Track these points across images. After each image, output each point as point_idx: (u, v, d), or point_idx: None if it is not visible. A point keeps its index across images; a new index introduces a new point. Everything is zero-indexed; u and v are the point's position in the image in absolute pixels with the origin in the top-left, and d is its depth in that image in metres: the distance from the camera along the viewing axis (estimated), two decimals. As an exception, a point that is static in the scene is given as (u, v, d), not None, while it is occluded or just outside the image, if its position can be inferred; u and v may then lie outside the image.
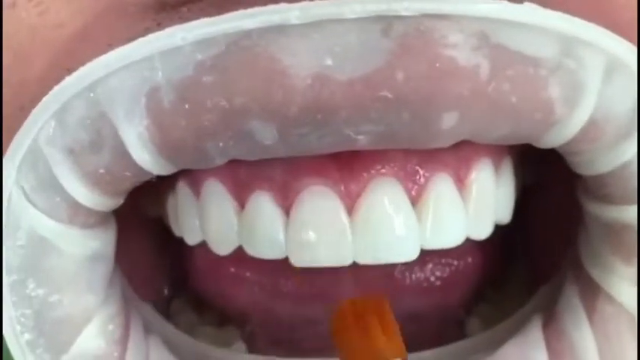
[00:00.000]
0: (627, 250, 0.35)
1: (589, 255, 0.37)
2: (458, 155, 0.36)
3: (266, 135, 0.30)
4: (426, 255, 0.41)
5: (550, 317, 0.37)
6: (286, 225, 0.36)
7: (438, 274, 0.42)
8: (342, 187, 0.35)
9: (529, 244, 0.44)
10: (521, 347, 0.36)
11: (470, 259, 0.42)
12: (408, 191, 0.35)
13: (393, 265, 0.41)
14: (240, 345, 0.41)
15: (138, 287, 0.40)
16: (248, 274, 0.42)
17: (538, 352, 0.35)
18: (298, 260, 0.36)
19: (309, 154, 0.32)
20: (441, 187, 0.36)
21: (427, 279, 0.42)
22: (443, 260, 0.42)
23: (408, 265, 0.41)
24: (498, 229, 0.40)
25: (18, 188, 0.33)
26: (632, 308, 0.35)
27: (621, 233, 0.35)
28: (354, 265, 0.40)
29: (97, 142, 0.31)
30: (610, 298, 0.36)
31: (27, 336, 0.34)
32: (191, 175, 0.38)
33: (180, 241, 0.41)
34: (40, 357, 0.34)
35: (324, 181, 0.35)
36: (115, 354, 0.35)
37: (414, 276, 0.41)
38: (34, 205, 0.33)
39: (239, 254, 0.38)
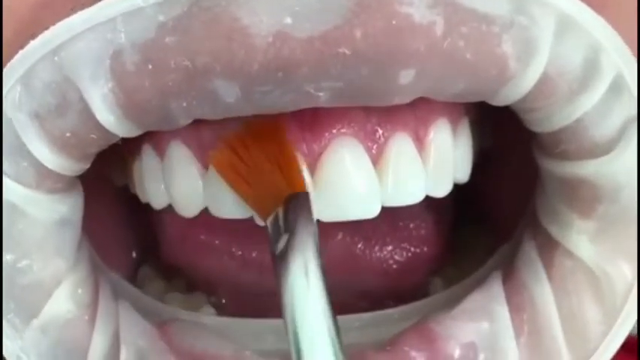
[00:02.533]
0: (584, 205, 0.36)
1: (546, 212, 0.38)
2: (416, 115, 0.37)
3: (229, 93, 0.31)
4: (387, 237, 0.42)
5: (509, 273, 0.38)
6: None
7: (396, 257, 0.43)
8: (304, 147, 0.36)
9: (490, 206, 0.45)
10: (482, 301, 0.37)
11: (426, 248, 0.43)
12: (368, 150, 0.36)
13: (354, 242, 0.42)
14: (209, 309, 0.42)
15: (106, 255, 0.41)
16: (217, 242, 0.42)
17: (499, 305, 0.36)
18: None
19: (272, 112, 0.32)
20: (401, 145, 0.37)
21: (386, 260, 0.42)
22: (403, 244, 0.43)
23: (368, 244, 0.42)
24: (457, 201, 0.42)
25: None
26: (591, 262, 0.36)
27: (578, 188, 0.36)
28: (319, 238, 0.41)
29: (63, 106, 0.32)
30: (568, 253, 0.37)
31: None
32: (155, 138, 0.39)
33: (148, 209, 0.42)
34: (10, 322, 0.35)
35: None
36: (85, 317, 0.36)
37: (374, 255, 0.42)
38: (1, 171, 0.33)
39: (208, 222, 0.39)
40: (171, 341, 0.35)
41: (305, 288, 0.32)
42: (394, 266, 0.42)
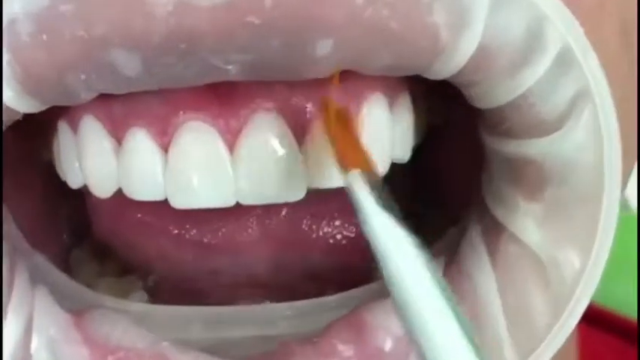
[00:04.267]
0: (531, 187, 0.34)
1: (492, 193, 0.35)
2: (347, 90, 0.34)
3: (129, 66, 0.29)
4: (334, 212, 0.40)
5: (453, 259, 0.35)
6: (165, 164, 0.34)
7: (344, 233, 0.40)
8: (222, 123, 0.33)
9: (443, 187, 0.43)
10: None
11: None
12: (292, 127, 0.34)
13: (301, 218, 0.39)
14: (142, 294, 0.40)
15: (34, 237, 0.39)
16: (152, 220, 0.40)
17: None
18: (177, 202, 0.34)
19: (177, 86, 0.30)
20: None
21: (334, 236, 0.40)
22: (352, 220, 0.40)
23: (315, 219, 0.40)
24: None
25: None
26: (538, 248, 0.34)
27: (523, 168, 0.34)
28: (261, 215, 0.39)
29: None
30: (514, 238, 0.34)
31: None
32: (69, 113, 0.36)
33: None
34: None
35: (203, 116, 0.33)
36: None
37: (321, 231, 0.40)
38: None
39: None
40: (86, 331, 0.33)
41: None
42: (342, 242, 0.40)
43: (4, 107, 0.30)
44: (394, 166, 0.37)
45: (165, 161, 0.34)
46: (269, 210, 0.38)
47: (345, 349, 0.33)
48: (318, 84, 0.33)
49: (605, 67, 0.32)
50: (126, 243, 0.41)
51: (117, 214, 0.40)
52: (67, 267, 0.41)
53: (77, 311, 0.34)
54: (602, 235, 0.33)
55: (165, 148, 0.34)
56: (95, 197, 0.39)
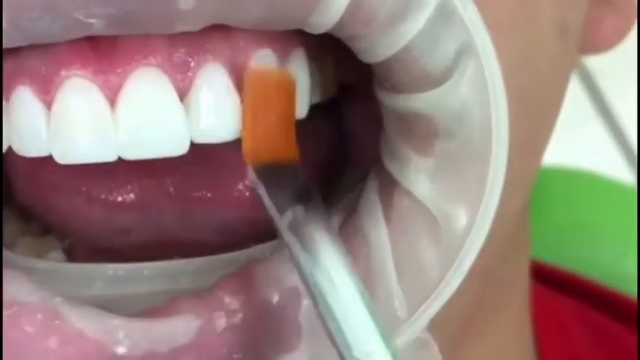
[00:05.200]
0: (421, 141, 0.34)
1: (387, 150, 0.36)
2: (232, 44, 0.34)
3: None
4: (240, 164, 0.40)
5: (349, 215, 0.36)
6: (48, 120, 0.35)
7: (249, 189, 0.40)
8: (102, 79, 0.34)
9: (355, 145, 0.43)
10: None
11: None
12: (174, 82, 0.34)
13: (207, 173, 0.39)
14: (58, 254, 0.40)
15: None
16: (63, 180, 0.40)
17: None
18: (61, 157, 0.35)
19: (46, 42, 0.30)
20: (212, 76, 0.34)
21: (239, 189, 0.40)
22: None
23: (223, 175, 0.40)
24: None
25: None
26: (429, 202, 0.34)
27: (414, 123, 0.34)
28: (168, 171, 0.39)
29: None
30: (406, 192, 0.34)
31: None
32: None
33: None
34: None
35: (83, 73, 0.34)
36: None
37: (227, 185, 0.40)
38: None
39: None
40: None
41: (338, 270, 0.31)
42: (246, 193, 0.40)
43: None
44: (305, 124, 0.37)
45: (49, 117, 0.34)
46: (175, 164, 0.37)
47: (231, 302, 0.33)
48: (201, 38, 0.33)
49: (498, 26, 0.33)
50: (43, 204, 0.41)
51: (32, 175, 0.41)
52: None
53: None
54: (488, 193, 0.33)
55: (49, 105, 0.34)
56: (12, 158, 0.40)
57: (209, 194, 0.39)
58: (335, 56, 0.39)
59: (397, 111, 0.34)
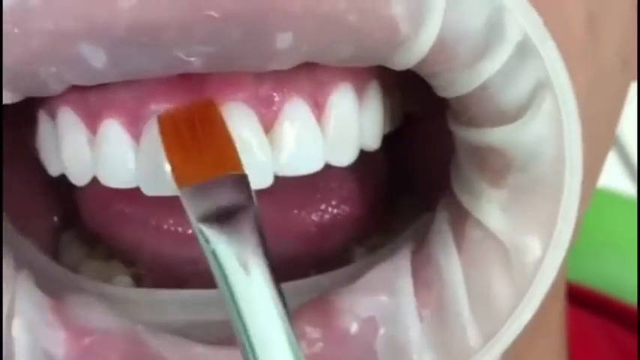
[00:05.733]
0: (494, 173, 0.35)
1: (459, 181, 0.36)
2: (314, 80, 0.35)
3: (96, 58, 0.30)
4: (306, 198, 0.40)
5: (420, 245, 0.36)
6: (137, 153, 0.35)
7: (315, 219, 0.41)
8: None
9: (418, 174, 0.44)
10: (386, 273, 0.35)
11: (348, 209, 0.41)
12: (260, 117, 0.35)
13: (271, 206, 0.40)
14: (127, 280, 0.41)
15: (22, 220, 0.40)
16: (131, 211, 0.41)
17: (403, 279, 0.35)
18: (149, 189, 0.35)
19: (143, 77, 0.31)
20: (296, 111, 0.35)
21: (305, 223, 0.40)
22: (322, 205, 0.41)
23: (286, 208, 0.40)
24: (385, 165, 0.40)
25: None
26: (501, 234, 0.35)
27: (487, 156, 0.35)
28: None
29: None
30: (478, 224, 0.35)
31: None
32: (48, 103, 0.37)
33: None
34: None
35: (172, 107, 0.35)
36: None
37: (292, 218, 0.40)
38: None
39: (126, 190, 0.37)
40: (64, 314, 0.34)
41: (248, 286, 0.31)
42: (313, 229, 0.40)
43: None
44: (368, 154, 0.38)
45: (137, 150, 0.35)
46: None
47: (313, 332, 0.34)
48: (287, 74, 0.34)
49: (568, 58, 0.33)
50: (109, 231, 0.42)
51: (100, 203, 0.41)
52: (56, 251, 0.43)
53: (59, 295, 0.36)
54: (561, 225, 0.34)
55: (137, 138, 0.35)
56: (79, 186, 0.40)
57: (275, 225, 0.40)
58: (402, 87, 0.40)
59: (471, 144, 0.35)
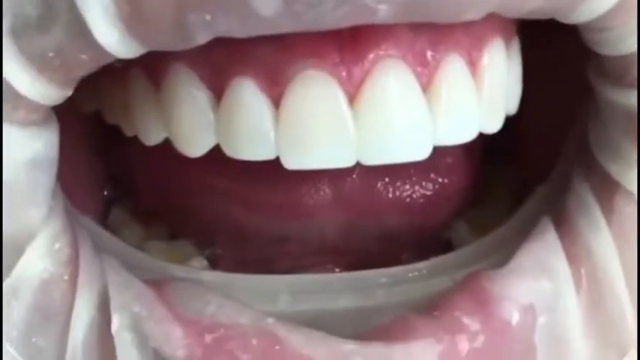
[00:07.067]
0: None
1: (604, 148, 0.33)
2: (470, 33, 0.31)
3: (266, 5, 0.25)
4: (411, 168, 0.36)
5: (561, 219, 0.33)
6: (276, 118, 0.30)
7: (421, 191, 0.37)
8: (344, 72, 0.30)
9: (518, 141, 0.40)
10: (537, 253, 0.31)
11: (456, 177, 0.37)
12: (417, 76, 0.30)
13: (376, 179, 0.36)
14: (201, 261, 0.36)
15: (72, 192, 0.34)
16: (216, 182, 0.36)
17: (555, 256, 0.31)
18: (292, 162, 0.30)
19: (314, 29, 0.26)
20: (455, 70, 0.31)
21: (410, 196, 0.36)
22: (432, 175, 0.37)
23: (391, 179, 0.36)
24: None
25: None
26: None
27: None
28: (334, 176, 0.35)
29: (47, 18, 0.26)
30: (630, 196, 0.31)
31: None
32: (148, 61, 0.31)
33: (124, 142, 0.35)
34: None
35: (322, 64, 0.30)
36: (65, 277, 0.29)
37: (397, 192, 0.36)
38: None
39: (205, 158, 0.32)
40: (173, 307, 0.29)
41: None
42: (420, 201, 0.36)
43: (97, 50, 0.26)
44: None
45: (277, 116, 0.30)
46: (342, 170, 0.34)
47: (471, 323, 0.30)
48: (443, 27, 0.30)
49: None
50: (182, 206, 0.36)
51: (174, 173, 0.36)
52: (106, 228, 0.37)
53: (154, 283, 0.30)
54: None
55: (275, 102, 0.30)
56: (147, 155, 0.35)
57: (375, 201, 0.36)
58: None
59: (625, 108, 0.31)
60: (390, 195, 0.36)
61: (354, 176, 0.36)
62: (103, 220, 0.38)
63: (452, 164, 0.37)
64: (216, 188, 0.36)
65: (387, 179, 0.36)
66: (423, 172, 0.36)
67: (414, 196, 0.36)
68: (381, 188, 0.36)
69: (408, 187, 0.36)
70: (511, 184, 0.39)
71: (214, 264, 0.36)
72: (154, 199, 0.38)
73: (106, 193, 0.39)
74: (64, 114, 0.33)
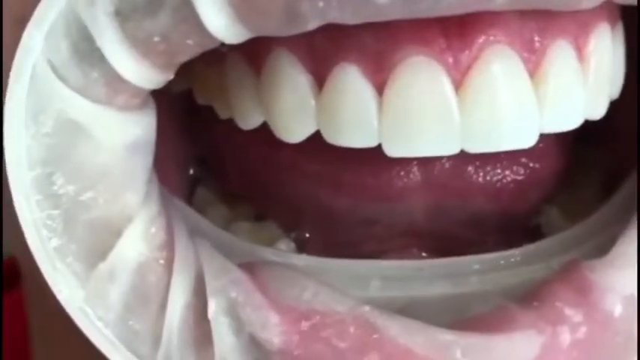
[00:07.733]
0: None
1: None
2: (576, 19, 0.30)
3: None
4: (501, 152, 0.35)
5: None
6: (379, 105, 0.30)
7: (512, 176, 0.36)
8: (450, 58, 0.29)
9: (608, 124, 0.39)
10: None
11: (547, 162, 0.36)
12: (525, 62, 0.30)
13: (466, 162, 0.35)
14: (288, 243, 0.36)
15: (161, 178, 0.34)
16: (306, 165, 0.35)
17: None
18: (395, 149, 0.30)
19: (426, 16, 0.26)
20: (562, 56, 0.30)
21: (500, 180, 0.36)
22: (522, 159, 0.36)
23: (481, 163, 0.35)
24: None
25: (45, 61, 0.26)
26: None
27: None
28: (423, 159, 0.35)
29: (155, 2, 0.25)
30: None
31: (55, 241, 0.28)
32: (248, 45, 0.30)
33: (213, 123, 0.35)
34: (70, 267, 0.28)
35: (428, 51, 0.29)
36: (161, 261, 0.29)
37: (487, 177, 0.36)
38: (65, 82, 0.27)
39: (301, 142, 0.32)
40: (268, 292, 0.29)
41: None
42: (510, 186, 0.36)
43: (204, 36, 0.26)
44: None
45: (380, 103, 0.29)
46: None
47: (574, 314, 0.29)
48: (547, 13, 0.29)
49: None
50: (269, 187, 0.36)
51: (263, 156, 0.36)
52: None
53: (248, 267, 0.30)
54: None
55: (379, 88, 0.30)
56: (236, 136, 0.34)
57: (464, 185, 0.35)
58: None
59: None
60: (481, 179, 0.35)
61: (443, 160, 0.35)
62: (189, 200, 0.38)
63: (544, 149, 0.36)
64: (305, 171, 0.35)
65: (477, 163, 0.35)
66: (514, 157, 0.36)
67: (505, 180, 0.36)
68: (472, 172, 0.35)
69: (498, 171, 0.35)
70: (602, 168, 0.38)
71: (301, 247, 0.36)
72: (241, 180, 0.37)
73: (191, 172, 0.39)
74: (153, 93, 0.33)
